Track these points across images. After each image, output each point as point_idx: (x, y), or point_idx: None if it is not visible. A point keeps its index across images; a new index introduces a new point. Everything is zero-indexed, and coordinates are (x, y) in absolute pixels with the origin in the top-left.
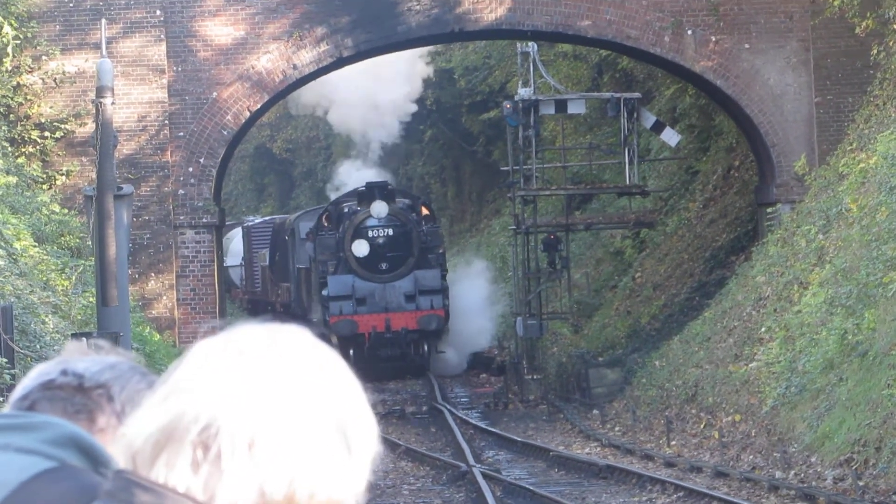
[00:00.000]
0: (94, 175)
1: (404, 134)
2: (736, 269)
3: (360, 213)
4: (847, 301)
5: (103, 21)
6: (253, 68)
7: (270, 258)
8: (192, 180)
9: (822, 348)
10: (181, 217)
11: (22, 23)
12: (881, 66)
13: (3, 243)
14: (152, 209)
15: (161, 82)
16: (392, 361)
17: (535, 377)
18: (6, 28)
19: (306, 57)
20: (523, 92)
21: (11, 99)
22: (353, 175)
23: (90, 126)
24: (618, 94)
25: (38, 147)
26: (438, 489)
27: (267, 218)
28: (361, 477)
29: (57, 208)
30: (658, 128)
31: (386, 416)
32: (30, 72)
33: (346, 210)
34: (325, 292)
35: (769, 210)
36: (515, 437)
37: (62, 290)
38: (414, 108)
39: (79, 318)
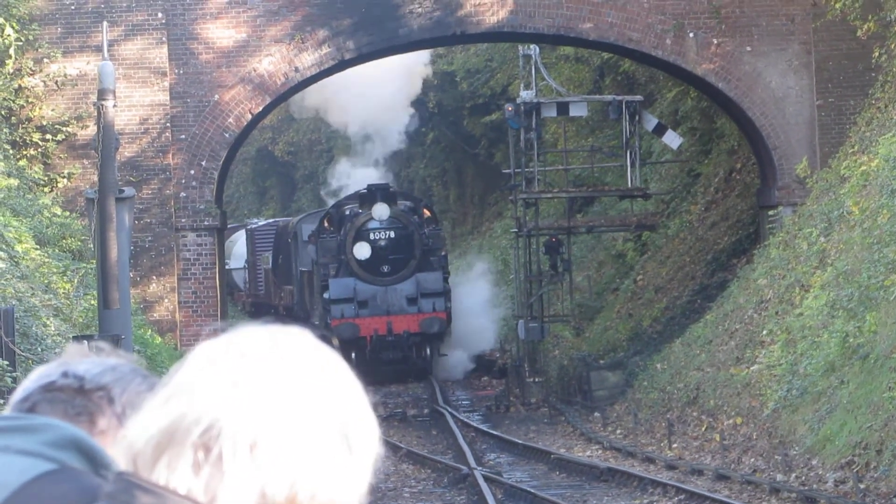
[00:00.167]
0: (95, 178)
1: (406, 137)
2: (737, 272)
3: (362, 215)
4: (848, 304)
5: (105, 24)
6: (255, 71)
7: (273, 261)
8: (194, 183)
9: (823, 351)
10: (183, 220)
11: (23, 25)
12: (883, 68)
13: (4, 246)
14: (154, 212)
15: (163, 85)
16: (394, 365)
17: (536, 380)
18: (8, 30)
19: (308, 59)
20: (525, 94)
21: (13, 101)
22: (351, 174)
23: (92, 129)
24: (619, 97)
25: (39, 150)
26: (440, 492)
27: (270, 220)
28: (363, 479)
29: (58, 211)
30: (660, 130)
31: (387, 418)
32: (31, 74)
33: (347, 212)
34: (326, 295)
35: (771, 213)
36: (517, 440)
37: (64, 292)
38: (411, 110)
39: (80, 320)
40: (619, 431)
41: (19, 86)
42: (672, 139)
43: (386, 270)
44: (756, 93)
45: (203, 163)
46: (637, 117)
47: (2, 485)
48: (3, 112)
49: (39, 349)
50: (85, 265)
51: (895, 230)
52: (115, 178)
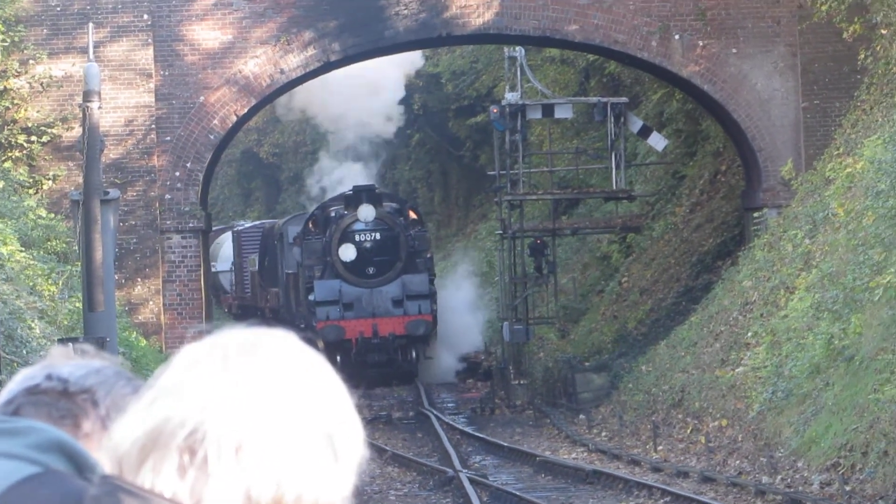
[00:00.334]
0: (80, 179)
1: (392, 138)
2: (722, 274)
3: (347, 217)
4: (833, 306)
5: (90, 25)
6: (240, 72)
7: (260, 263)
8: (179, 185)
9: (808, 353)
10: (168, 222)
11: (9, 27)
12: (868, 70)
13: None
14: (139, 214)
15: (148, 86)
16: (379, 367)
17: (521, 382)
18: None
19: (293, 61)
20: (510, 96)
21: None
22: (335, 173)
23: (77, 130)
24: (605, 99)
25: (24, 151)
26: (425, 494)
27: (257, 223)
28: (348, 481)
29: (43, 213)
30: (645, 132)
31: (372, 421)
32: (17, 76)
33: (332, 214)
34: (311, 297)
35: (756, 215)
36: (502, 443)
37: (49, 295)
38: (400, 109)
39: (65, 323)
40: (604, 434)
41: (4, 87)
42: (657, 141)
43: (371, 272)
44: (741, 95)
45: (188, 164)
46: (622, 119)
47: None
48: None
49: (24, 352)
50: (70, 267)
51: (880, 232)
52: (100, 179)
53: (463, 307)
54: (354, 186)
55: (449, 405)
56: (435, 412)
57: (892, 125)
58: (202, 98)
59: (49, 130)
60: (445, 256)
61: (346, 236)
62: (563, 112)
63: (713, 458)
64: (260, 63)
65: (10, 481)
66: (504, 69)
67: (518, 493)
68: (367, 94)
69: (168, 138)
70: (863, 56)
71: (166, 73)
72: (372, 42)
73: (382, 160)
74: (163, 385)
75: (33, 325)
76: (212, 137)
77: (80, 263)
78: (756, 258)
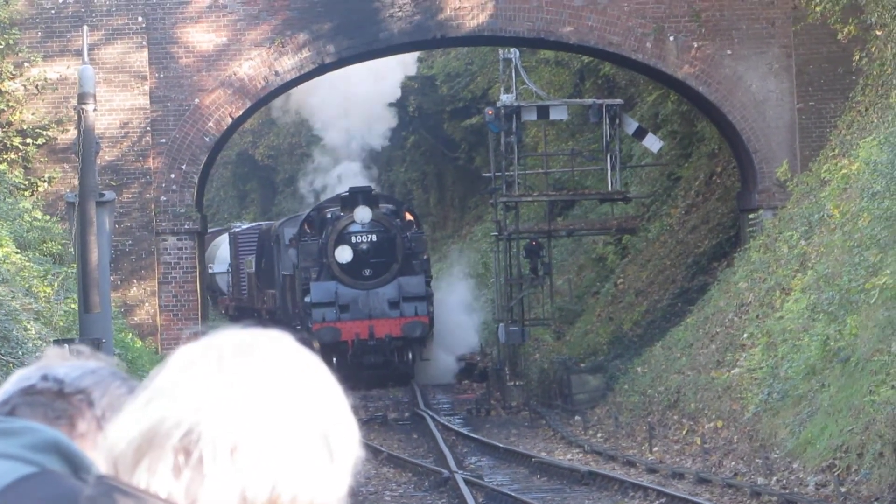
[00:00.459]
0: (76, 182)
1: (387, 141)
2: (718, 276)
3: (344, 218)
4: (829, 307)
5: (85, 28)
6: (235, 75)
7: (257, 265)
8: (174, 187)
9: (804, 354)
10: (163, 223)
11: (3, 29)
12: (863, 71)
13: None
14: (134, 216)
15: (143, 89)
16: (376, 369)
17: (517, 383)
18: None
19: (288, 63)
20: (505, 98)
21: None
22: (332, 171)
23: (72, 133)
24: (600, 101)
25: (20, 154)
26: (420, 495)
27: (253, 224)
28: (343, 482)
29: (39, 215)
30: (640, 134)
31: (368, 422)
32: (11, 78)
33: (329, 216)
34: (307, 299)
35: (751, 216)
36: (498, 444)
37: (44, 296)
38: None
39: (61, 324)
40: (599, 435)
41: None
42: (652, 143)
43: (368, 274)
44: (736, 96)
45: (183, 167)
46: (617, 121)
47: None
48: None
49: (20, 353)
50: (65, 269)
51: (875, 233)
52: (96, 181)
53: (459, 309)
54: (350, 188)
55: (444, 406)
56: (430, 413)
57: (888, 126)
58: (197, 100)
59: (44, 133)
60: (441, 258)
61: (343, 238)
62: (558, 114)
63: (708, 459)
64: (254, 65)
65: (5, 481)
66: (499, 71)
67: (513, 494)
68: (364, 96)
69: (163, 140)
70: (857, 57)
71: (161, 76)
72: (366, 44)
73: (378, 162)
74: (158, 386)
75: (29, 326)
76: (207, 139)
77: (75, 265)
78: (752, 259)
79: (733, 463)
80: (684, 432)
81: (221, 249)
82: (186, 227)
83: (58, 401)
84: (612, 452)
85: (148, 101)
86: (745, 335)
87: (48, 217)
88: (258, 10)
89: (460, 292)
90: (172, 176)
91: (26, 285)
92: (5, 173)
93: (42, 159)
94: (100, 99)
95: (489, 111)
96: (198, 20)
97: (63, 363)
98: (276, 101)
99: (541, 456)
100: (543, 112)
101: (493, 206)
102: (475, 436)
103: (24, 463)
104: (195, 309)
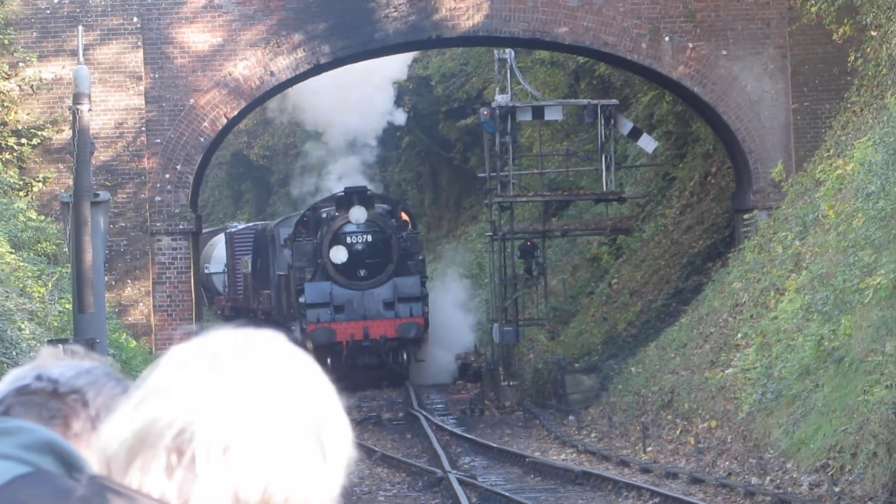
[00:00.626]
0: (70, 182)
1: (381, 141)
2: (712, 276)
3: (339, 218)
4: (823, 307)
5: (80, 28)
6: (230, 75)
7: (252, 265)
8: (169, 187)
9: (798, 354)
10: (158, 224)
11: None
12: (858, 72)
13: None
14: (129, 216)
15: (138, 89)
16: (370, 370)
17: (511, 383)
18: None
19: (283, 63)
20: (500, 98)
21: None
22: (330, 167)
23: (67, 133)
24: (595, 101)
25: (14, 154)
26: (414, 495)
27: (250, 224)
28: (336, 482)
29: (34, 215)
30: (635, 134)
31: (362, 422)
32: (6, 78)
33: (324, 216)
34: (302, 299)
35: (746, 216)
36: (491, 444)
37: (39, 296)
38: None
39: (55, 324)
40: (593, 435)
41: None
42: (647, 143)
43: (363, 275)
44: (731, 97)
45: (178, 167)
46: (612, 121)
47: None
48: None
49: (14, 353)
50: (60, 269)
51: (870, 234)
52: (91, 182)
53: (453, 309)
54: (346, 188)
55: (438, 406)
56: (424, 413)
57: (883, 127)
58: (192, 100)
59: (39, 133)
60: (435, 258)
61: (338, 238)
62: (553, 114)
63: (702, 459)
64: (249, 65)
65: (0, 481)
66: (494, 71)
67: (507, 494)
68: (359, 98)
69: (158, 141)
70: (853, 58)
71: (156, 76)
72: (361, 44)
73: (372, 162)
74: (151, 385)
75: (23, 326)
76: (202, 140)
77: (70, 265)
78: (746, 260)
79: (727, 463)
80: (678, 432)
81: (218, 249)
82: (181, 227)
83: (52, 401)
84: (606, 452)
85: (143, 102)
86: (739, 335)
87: (43, 217)
88: (253, 11)
89: (455, 292)
90: (167, 176)
91: (21, 285)
92: (0, 173)
93: (37, 159)
94: (95, 99)
95: (484, 111)
96: (193, 20)
97: (58, 363)
98: (272, 101)
99: (535, 456)
100: (538, 112)
101: (487, 206)
102: (469, 436)
103: (19, 463)
104: (189, 309)
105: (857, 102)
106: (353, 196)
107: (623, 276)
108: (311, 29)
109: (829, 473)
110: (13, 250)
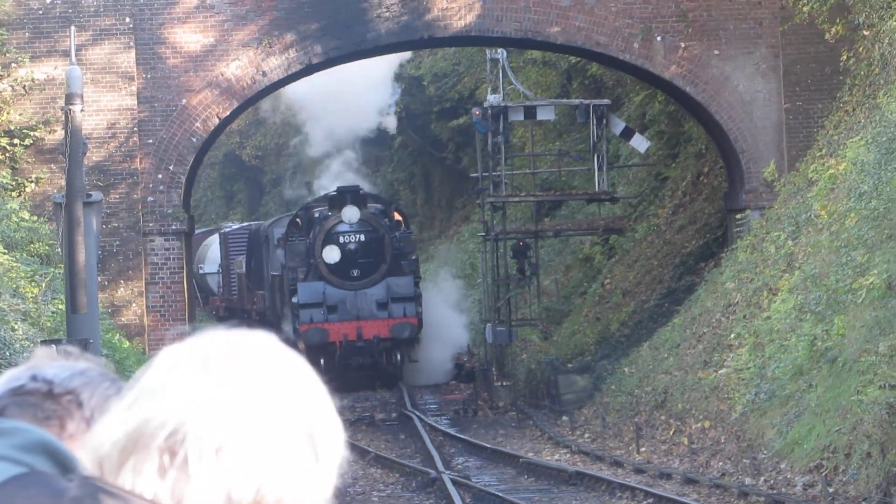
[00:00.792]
0: (63, 182)
1: (374, 141)
2: (705, 276)
3: (331, 218)
4: (816, 307)
5: (72, 28)
6: (222, 75)
7: (247, 265)
8: (162, 187)
9: (791, 355)
10: (150, 224)
11: None
12: (850, 72)
13: None
14: (121, 216)
15: (130, 89)
16: (363, 371)
17: (504, 384)
18: None
19: (275, 63)
20: (492, 98)
21: None
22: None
23: (59, 133)
24: (587, 101)
25: (7, 154)
26: (408, 496)
27: (244, 224)
28: (329, 482)
29: (26, 215)
30: (627, 134)
31: (355, 422)
32: None
33: (316, 215)
34: (295, 299)
35: (738, 216)
36: (485, 444)
37: (32, 297)
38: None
39: (48, 325)
40: (587, 435)
41: None
42: (639, 143)
43: (356, 275)
44: (724, 96)
45: (171, 167)
46: (604, 121)
47: None
48: None
49: (7, 354)
50: (53, 269)
51: (863, 233)
52: (83, 182)
53: (446, 309)
54: (339, 187)
55: (432, 407)
56: (418, 413)
57: (875, 126)
58: (184, 101)
59: (31, 133)
60: (428, 258)
61: (330, 238)
62: (546, 114)
63: (696, 459)
64: (242, 66)
65: None
66: (486, 71)
67: (501, 495)
68: (353, 97)
69: (150, 141)
70: (845, 57)
71: (148, 76)
72: (354, 44)
73: (364, 161)
74: (144, 386)
75: (16, 326)
76: (194, 140)
77: (62, 266)
78: (739, 260)
79: (721, 463)
80: (671, 433)
81: (212, 250)
82: (174, 227)
83: (47, 401)
84: (600, 453)
85: (135, 102)
86: (732, 335)
87: (35, 218)
88: (245, 11)
89: (448, 292)
90: (160, 176)
91: (13, 286)
92: None
93: (29, 160)
94: (87, 99)
95: (476, 111)
96: (185, 21)
97: (52, 364)
98: (264, 101)
99: (528, 456)
100: (530, 112)
101: (480, 206)
102: (462, 436)
103: (13, 463)
104: (182, 309)
105: (850, 102)
106: (345, 195)
107: (616, 276)
108: (303, 29)
109: (823, 474)
110: (6, 251)
